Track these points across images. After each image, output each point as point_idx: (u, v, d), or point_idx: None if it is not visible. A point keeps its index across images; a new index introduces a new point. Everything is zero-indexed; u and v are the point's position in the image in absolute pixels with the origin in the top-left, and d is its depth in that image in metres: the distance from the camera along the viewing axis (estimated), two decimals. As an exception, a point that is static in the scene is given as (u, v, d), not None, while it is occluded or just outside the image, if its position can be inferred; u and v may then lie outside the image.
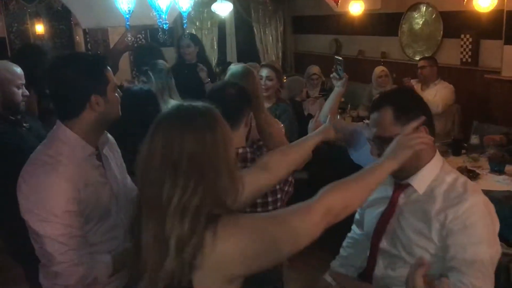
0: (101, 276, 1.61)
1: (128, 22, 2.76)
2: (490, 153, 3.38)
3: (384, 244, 1.65)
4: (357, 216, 1.90)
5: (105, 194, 1.69)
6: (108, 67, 1.65)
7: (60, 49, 5.89)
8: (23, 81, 2.39)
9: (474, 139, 3.70)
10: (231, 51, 7.97)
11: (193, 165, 1.11)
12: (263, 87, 3.43)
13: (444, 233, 1.49)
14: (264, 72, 3.62)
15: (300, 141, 1.80)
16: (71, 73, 1.57)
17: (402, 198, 1.63)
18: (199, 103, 1.22)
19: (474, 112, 4.69)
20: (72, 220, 1.55)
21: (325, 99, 5.19)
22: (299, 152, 1.73)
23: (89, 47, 6.01)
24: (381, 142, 1.56)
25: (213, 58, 7.45)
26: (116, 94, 1.68)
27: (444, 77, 4.75)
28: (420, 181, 1.59)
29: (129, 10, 2.70)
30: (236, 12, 6.98)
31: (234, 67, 2.38)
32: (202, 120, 1.17)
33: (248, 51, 7.59)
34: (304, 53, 7.71)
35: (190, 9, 2.78)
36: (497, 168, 3.20)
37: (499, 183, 3.05)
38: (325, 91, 5.65)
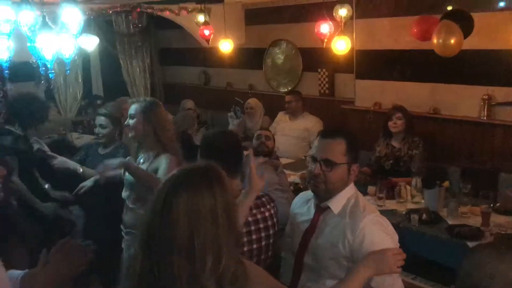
0: None
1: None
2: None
3: (307, 259, 1.88)
4: (287, 238, 2.09)
5: None
6: None
7: None
8: None
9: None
10: (97, 84, 7.74)
11: (193, 220, 1.20)
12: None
13: (353, 246, 1.75)
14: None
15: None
16: None
17: (321, 219, 1.89)
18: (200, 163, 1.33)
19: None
20: None
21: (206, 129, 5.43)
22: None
23: None
24: (327, 164, 1.82)
25: (78, 92, 7.16)
26: None
27: (306, 107, 5.27)
28: (336, 203, 1.86)
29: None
30: (101, 44, 6.82)
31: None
32: (200, 179, 1.24)
33: (115, 84, 7.45)
34: (174, 84, 7.82)
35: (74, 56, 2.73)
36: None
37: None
38: (201, 124, 5.84)
